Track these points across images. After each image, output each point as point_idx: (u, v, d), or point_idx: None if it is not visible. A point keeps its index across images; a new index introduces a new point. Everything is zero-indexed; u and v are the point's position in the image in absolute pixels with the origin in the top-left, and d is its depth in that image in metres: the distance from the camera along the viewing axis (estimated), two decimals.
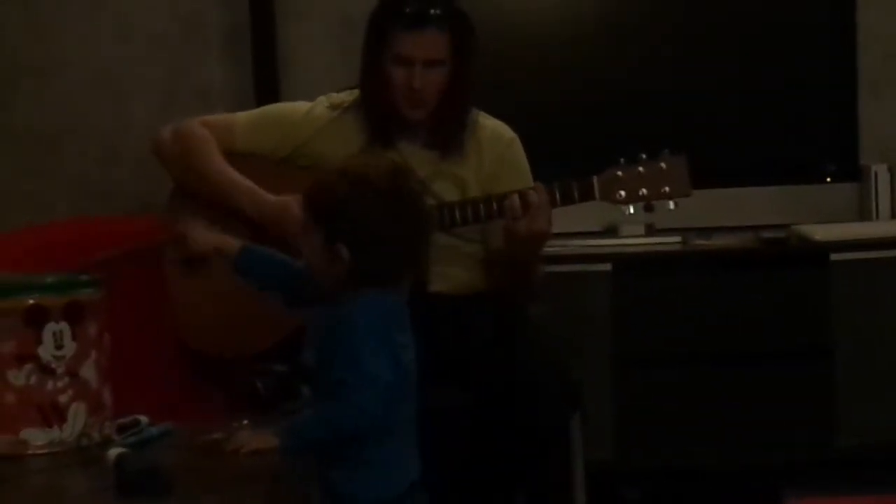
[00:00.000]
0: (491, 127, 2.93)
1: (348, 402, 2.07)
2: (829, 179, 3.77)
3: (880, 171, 3.74)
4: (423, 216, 2.21)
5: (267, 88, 3.66)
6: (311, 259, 2.17)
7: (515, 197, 2.68)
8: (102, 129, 3.79)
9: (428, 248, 2.26)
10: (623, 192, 2.76)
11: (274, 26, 3.73)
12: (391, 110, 2.82)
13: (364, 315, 2.10)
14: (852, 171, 3.79)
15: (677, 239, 3.62)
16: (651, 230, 3.62)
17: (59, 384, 2.26)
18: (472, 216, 2.77)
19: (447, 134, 2.86)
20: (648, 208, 2.79)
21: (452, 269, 2.83)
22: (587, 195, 2.76)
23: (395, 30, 2.78)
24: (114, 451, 2.10)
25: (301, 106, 2.95)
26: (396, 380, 2.10)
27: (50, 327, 2.25)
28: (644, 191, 2.76)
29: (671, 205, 2.77)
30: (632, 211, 2.78)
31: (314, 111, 2.92)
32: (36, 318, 2.25)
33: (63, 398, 2.26)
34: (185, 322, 2.86)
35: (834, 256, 3.53)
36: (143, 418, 2.37)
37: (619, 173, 2.76)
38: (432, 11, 2.78)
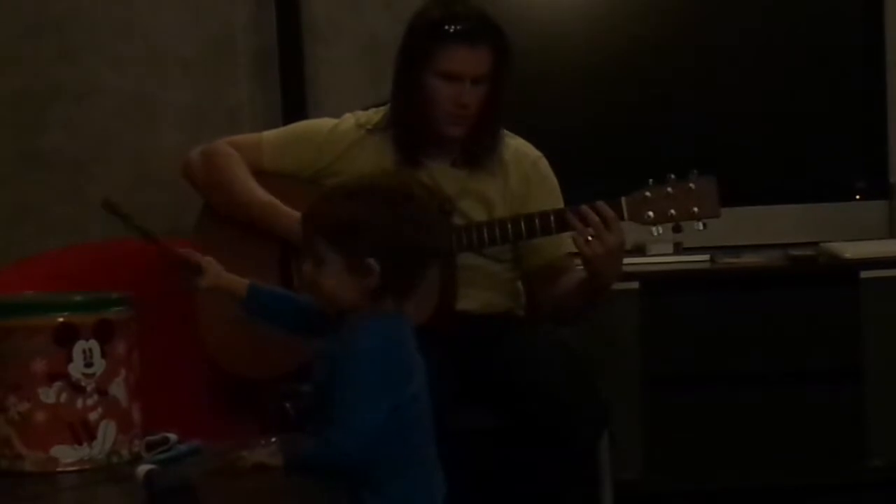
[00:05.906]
0: (515, 146, 2.92)
1: (328, 440, 1.98)
2: (858, 197, 3.75)
3: None
4: (439, 224, 2.13)
5: (295, 110, 3.67)
6: (331, 287, 2.06)
7: (577, 221, 2.66)
8: (133, 151, 3.80)
9: (453, 262, 2.22)
10: (652, 213, 2.76)
11: (302, 49, 3.74)
12: (428, 127, 2.81)
13: (365, 342, 2.01)
14: (882, 188, 3.76)
15: (706, 257, 3.61)
16: (679, 249, 3.61)
17: (89, 402, 2.27)
18: (500, 237, 2.77)
19: (479, 151, 2.85)
20: (677, 229, 2.78)
21: (478, 289, 2.82)
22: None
23: (443, 45, 2.75)
24: (143, 468, 2.11)
25: (327, 123, 2.95)
26: (398, 413, 2.01)
27: (80, 345, 2.27)
28: (673, 211, 2.76)
29: (700, 226, 2.76)
30: (660, 232, 2.78)
31: (340, 128, 2.92)
32: (66, 337, 2.26)
33: (93, 416, 2.27)
34: (215, 342, 2.87)
35: (864, 274, 3.50)
36: (172, 436, 2.38)
37: (648, 194, 2.75)
38: (482, 28, 2.76)
